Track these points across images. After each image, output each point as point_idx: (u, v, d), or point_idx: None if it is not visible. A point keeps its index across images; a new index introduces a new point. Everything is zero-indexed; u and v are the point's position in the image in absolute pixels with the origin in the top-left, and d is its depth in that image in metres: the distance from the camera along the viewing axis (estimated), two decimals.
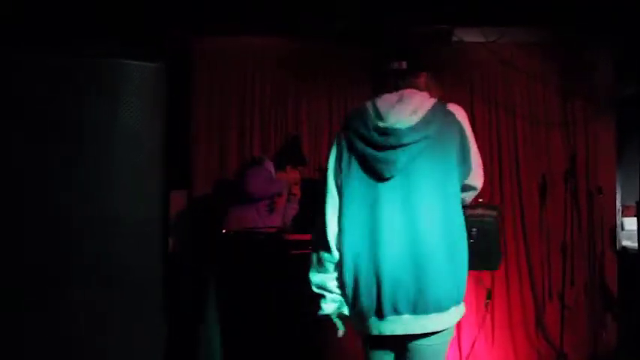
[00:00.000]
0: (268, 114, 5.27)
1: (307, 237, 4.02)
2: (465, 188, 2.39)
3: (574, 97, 5.29)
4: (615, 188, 5.39)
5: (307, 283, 2.42)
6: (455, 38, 5.29)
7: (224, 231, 4.31)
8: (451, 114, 2.38)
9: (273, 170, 4.41)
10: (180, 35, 5.01)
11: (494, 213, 2.40)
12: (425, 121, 2.31)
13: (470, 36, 5.28)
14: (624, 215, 5.80)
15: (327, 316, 2.45)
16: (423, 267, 2.18)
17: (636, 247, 5.40)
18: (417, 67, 2.56)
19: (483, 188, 2.42)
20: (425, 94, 2.42)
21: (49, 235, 2.16)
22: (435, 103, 2.38)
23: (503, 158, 5.29)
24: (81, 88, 2.22)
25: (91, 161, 2.21)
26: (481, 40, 5.27)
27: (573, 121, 5.29)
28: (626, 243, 5.62)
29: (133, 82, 2.28)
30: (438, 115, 2.34)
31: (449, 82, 5.24)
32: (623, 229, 5.78)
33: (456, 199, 2.30)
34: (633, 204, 5.61)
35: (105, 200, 2.22)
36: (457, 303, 2.25)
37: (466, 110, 4.90)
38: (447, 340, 2.33)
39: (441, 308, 2.19)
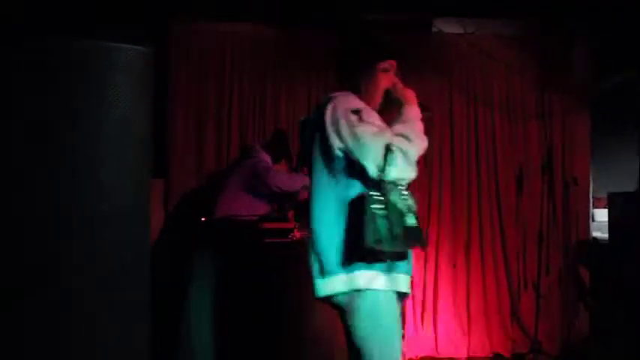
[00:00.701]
0: (247, 101, 5.22)
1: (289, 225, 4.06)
2: (362, 171, 2.32)
3: (551, 89, 5.36)
4: (589, 180, 5.49)
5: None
6: (434, 29, 5.32)
7: (203, 219, 4.28)
8: (324, 106, 2.40)
9: (269, 161, 4.35)
10: (158, 21, 4.94)
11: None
12: (309, 122, 2.54)
13: (449, 27, 5.31)
14: (595, 207, 5.89)
15: None
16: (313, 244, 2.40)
17: (606, 239, 5.51)
18: (348, 69, 2.57)
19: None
20: (333, 95, 2.46)
21: (41, 226, 2.10)
22: (320, 103, 2.47)
23: (481, 149, 5.34)
24: (67, 72, 2.15)
25: (80, 149, 2.15)
26: (460, 31, 5.30)
27: (550, 113, 5.36)
28: (596, 234, 5.72)
29: (123, 65, 2.23)
30: (316, 113, 2.46)
31: (427, 72, 5.30)
32: (593, 220, 5.87)
33: (328, 188, 2.37)
34: (604, 195, 5.70)
35: (95, 190, 2.16)
36: (332, 274, 2.33)
37: (443, 100, 4.96)
38: (360, 321, 2.32)
39: (320, 276, 2.38)
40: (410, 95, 2.45)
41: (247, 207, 4.17)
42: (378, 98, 2.50)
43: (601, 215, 5.76)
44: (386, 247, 2.20)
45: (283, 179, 4.23)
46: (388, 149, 2.23)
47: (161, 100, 5.08)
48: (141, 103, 2.31)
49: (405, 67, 2.60)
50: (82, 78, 2.14)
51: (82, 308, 2.10)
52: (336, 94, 2.45)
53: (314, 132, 2.44)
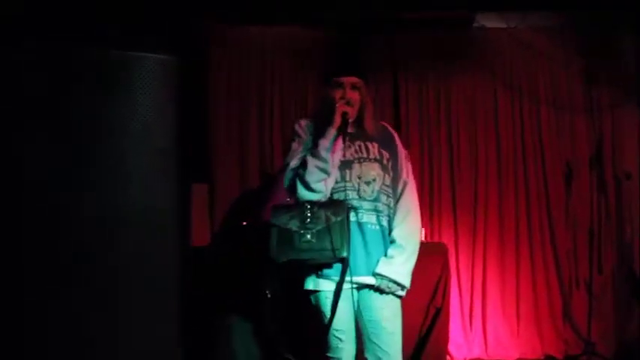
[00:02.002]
0: (288, 103, 5.25)
1: None
2: None
3: (598, 82, 5.17)
4: None
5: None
6: (476, 24, 5.22)
7: (244, 223, 4.31)
8: None
9: None
10: (197, 25, 5.01)
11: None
12: None
13: (491, 22, 5.20)
14: None
15: None
16: None
17: None
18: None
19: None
20: None
21: (61, 230, 2.14)
22: None
23: (527, 145, 5.20)
24: (91, 81, 2.19)
25: (103, 157, 2.18)
26: (502, 25, 5.18)
27: (598, 107, 5.17)
28: None
29: (146, 74, 2.25)
30: None
31: (470, 68, 5.21)
32: None
33: None
34: None
35: (118, 196, 2.19)
36: None
37: (487, 97, 4.92)
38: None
39: None
40: (336, 116, 2.61)
41: None
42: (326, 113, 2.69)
43: None
44: (277, 257, 2.54)
45: None
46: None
47: (203, 104, 5.17)
48: (163, 111, 2.32)
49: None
50: (103, 87, 2.17)
51: (106, 310, 2.13)
52: None
53: None
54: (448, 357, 4.86)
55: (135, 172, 2.21)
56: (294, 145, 2.71)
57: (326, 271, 2.61)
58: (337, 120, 2.60)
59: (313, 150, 2.59)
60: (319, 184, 2.57)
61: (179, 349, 2.37)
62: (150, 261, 2.24)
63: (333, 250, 2.49)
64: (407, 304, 3.97)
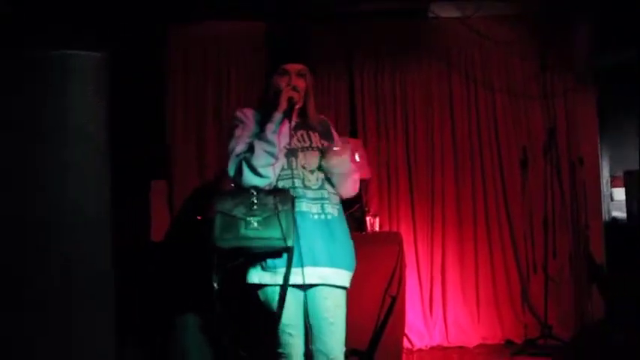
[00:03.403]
0: (246, 99, 5.23)
1: None
2: None
3: (552, 68, 5.22)
4: (599, 159, 5.33)
5: None
6: (431, 14, 5.25)
7: (199, 217, 4.31)
8: None
9: None
10: (153, 23, 4.99)
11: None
12: None
13: (446, 11, 5.23)
14: (613, 186, 5.75)
15: None
16: None
17: (625, 218, 5.37)
18: None
19: None
20: None
21: None
22: None
23: (482, 133, 5.24)
24: (21, 80, 2.18)
25: (35, 157, 2.17)
26: (457, 15, 5.21)
27: (552, 93, 5.23)
28: (616, 214, 5.58)
29: (76, 72, 2.24)
30: None
31: (425, 58, 5.24)
32: (612, 199, 5.73)
33: None
34: (621, 174, 5.56)
35: (51, 196, 2.18)
36: None
37: (443, 86, 4.94)
38: None
39: None
40: (281, 101, 2.60)
41: None
42: (271, 100, 2.67)
43: (620, 194, 5.64)
44: (221, 244, 2.48)
45: None
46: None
47: (161, 101, 5.16)
48: (97, 109, 2.31)
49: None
50: (36, 87, 2.17)
51: (39, 312, 2.13)
52: None
53: None
54: (409, 345, 4.92)
55: (67, 170, 2.20)
56: (238, 131, 2.66)
57: (270, 263, 2.55)
58: (283, 104, 2.58)
59: (261, 134, 2.56)
60: (267, 169, 2.53)
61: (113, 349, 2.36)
62: (84, 260, 2.23)
63: (282, 238, 2.45)
64: (363, 293, 4.08)
